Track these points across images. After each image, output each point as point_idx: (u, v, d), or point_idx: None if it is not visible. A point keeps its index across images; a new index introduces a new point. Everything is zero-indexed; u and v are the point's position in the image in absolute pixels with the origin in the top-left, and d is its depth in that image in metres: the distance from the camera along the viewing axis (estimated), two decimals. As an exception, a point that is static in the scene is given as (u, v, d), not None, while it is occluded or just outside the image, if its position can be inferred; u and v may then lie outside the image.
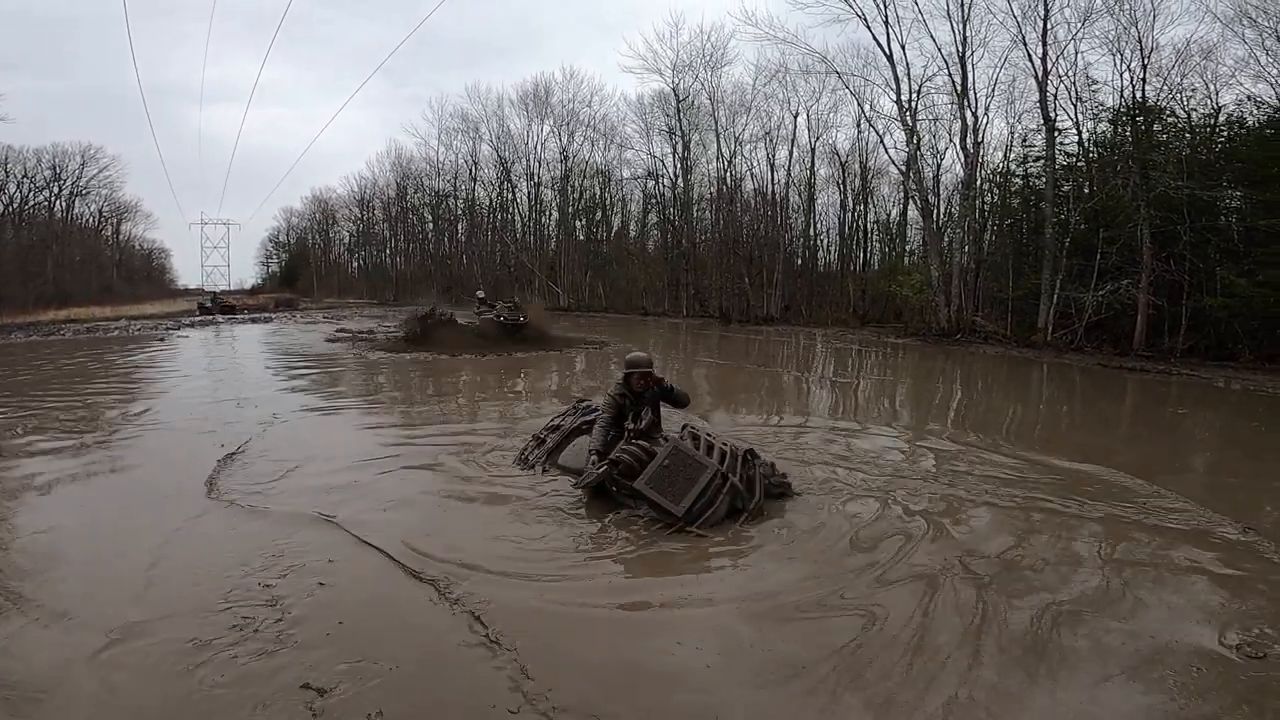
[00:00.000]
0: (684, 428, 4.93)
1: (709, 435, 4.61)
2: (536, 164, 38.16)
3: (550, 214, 39.12)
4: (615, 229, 37.55)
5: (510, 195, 40.09)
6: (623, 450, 4.48)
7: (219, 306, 33.04)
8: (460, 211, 43.41)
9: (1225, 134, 18.33)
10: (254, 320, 28.24)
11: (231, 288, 55.58)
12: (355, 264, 55.38)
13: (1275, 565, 3.87)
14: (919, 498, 4.90)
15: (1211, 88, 18.24)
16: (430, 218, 45.81)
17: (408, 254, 48.65)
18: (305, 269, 56.21)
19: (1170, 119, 18.94)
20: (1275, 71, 16.58)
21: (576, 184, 37.29)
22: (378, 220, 51.15)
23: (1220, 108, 18.27)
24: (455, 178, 42.14)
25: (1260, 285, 15.49)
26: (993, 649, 2.90)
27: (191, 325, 25.04)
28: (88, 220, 45.07)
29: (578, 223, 38.11)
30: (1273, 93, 16.81)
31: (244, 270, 65.27)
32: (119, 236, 49.00)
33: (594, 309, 33.34)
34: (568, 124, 36.46)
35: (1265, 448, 7.51)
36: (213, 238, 62.75)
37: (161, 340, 19.16)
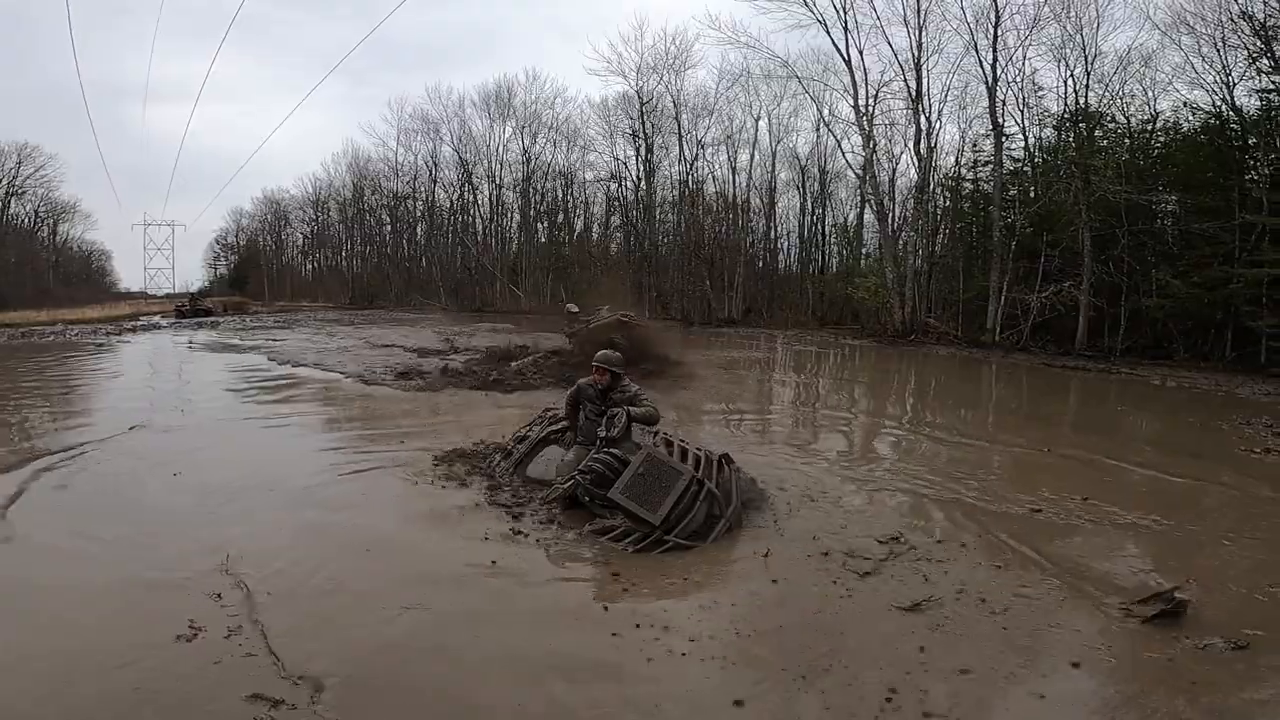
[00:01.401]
0: (656, 432, 4.92)
1: (682, 441, 4.63)
2: (498, 166, 37.82)
3: (512, 216, 38.82)
4: (578, 231, 37.45)
5: (471, 197, 39.62)
6: (593, 460, 4.48)
7: (195, 309, 31.65)
8: (420, 213, 42.69)
9: (1161, 139, 19.29)
10: (199, 325, 27.16)
11: (176, 290, 53.35)
12: (309, 266, 53.89)
13: (1186, 555, 4.12)
14: (880, 494, 5.06)
15: (1150, 94, 19.19)
16: (388, 219, 44.91)
17: (365, 256, 47.59)
18: (256, 271, 54.39)
19: (1111, 125, 19.86)
20: (1210, 78, 17.52)
21: (539, 186, 37.06)
22: (333, 222, 49.90)
23: (1158, 114, 19.24)
24: (414, 179, 41.40)
25: (1194, 286, 16.37)
26: (953, 648, 3.01)
27: (134, 330, 24.00)
28: (23, 221, 42.85)
29: (540, 225, 37.88)
30: (1207, 99, 17.74)
31: (191, 273, 62.27)
32: (56, 238, 46.70)
33: (555, 312, 33.15)
34: (530, 126, 36.23)
35: (1203, 441, 7.93)
36: (156, 239, 59.86)
37: (100, 346, 18.31)
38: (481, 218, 39.79)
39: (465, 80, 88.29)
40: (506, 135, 36.94)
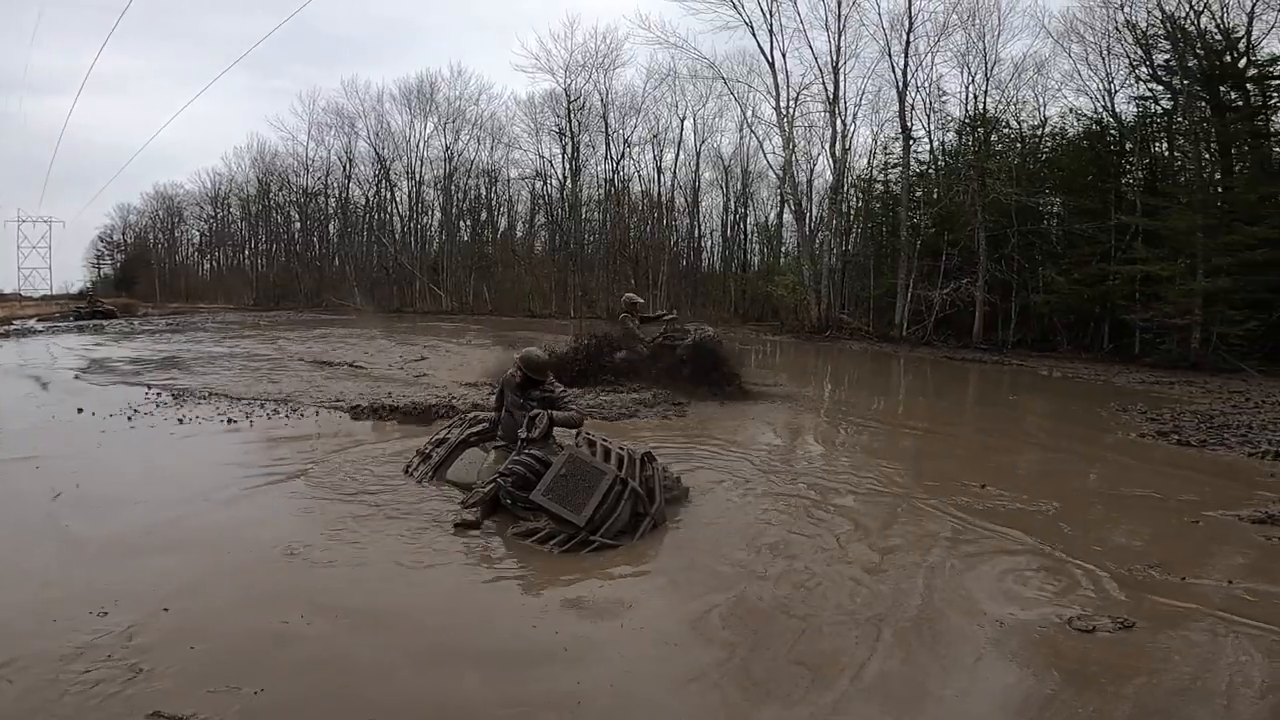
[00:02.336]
0: (578, 433, 4.90)
1: (605, 440, 4.64)
2: (418, 162, 36.53)
3: (433, 214, 37.62)
4: (501, 230, 36.75)
5: (389, 194, 38.12)
6: (515, 461, 4.43)
7: (94, 310, 28.68)
8: (333, 210, 40.70)
9: (1049, 144, 20.89)
10: (81, 329, 24.83)
11: (54, 292, 48.58)
12: (207, 265, 50.36)
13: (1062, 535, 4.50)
14: (796, 484, 5.24)
15: (1040, 100, 20.80)
16: (298, 217, 42.57)
17: (271, 255, 44.92)
18: (146, 271, 50.26)
19: (1005, 130, 21.34)
20: (1095, 86, 19.19)
21: (461, 184, 36.10)
22: (235, 219, 46.83)
23: (1046, 119, 20.84)
24: (327, 175, 39.40)
25: (1075, 283, 17.82)
26: (886, 639, 3.16)
27: (7, 336, 21.72)
28: None
29: (462, 223, 36.93)
30: (1091, 105, 19.38)
31: (71, 273, 56.92)
32: (-92, 235, 41.64)
33: (478, 312, 32.51)
34: (453, 122, 35.18)
35: (1085, 427, 8.64)
36: (31, 237, 54.31)
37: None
38: (400, 215, 38.40)
39: (384, 75, 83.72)
40: (428, 131, 35.73)
